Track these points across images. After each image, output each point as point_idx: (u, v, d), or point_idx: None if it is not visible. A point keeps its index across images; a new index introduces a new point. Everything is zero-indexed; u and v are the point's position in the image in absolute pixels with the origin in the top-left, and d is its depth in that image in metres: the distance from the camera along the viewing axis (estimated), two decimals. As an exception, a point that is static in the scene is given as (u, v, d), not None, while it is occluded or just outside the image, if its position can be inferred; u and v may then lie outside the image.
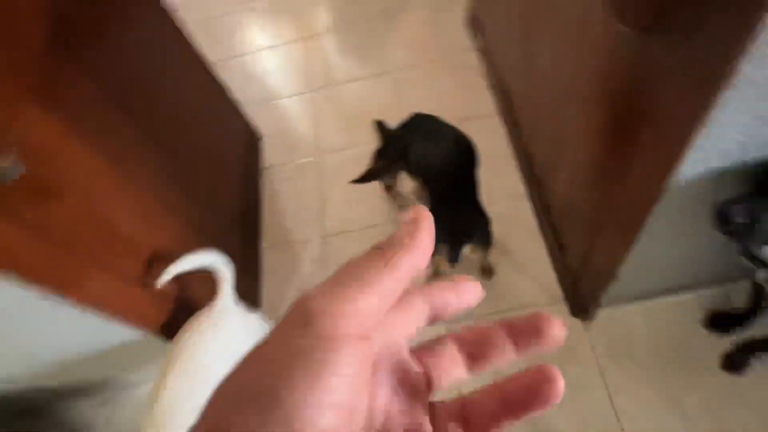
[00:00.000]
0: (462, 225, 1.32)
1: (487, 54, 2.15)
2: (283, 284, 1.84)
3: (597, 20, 0.89)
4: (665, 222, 0.94)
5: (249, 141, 2.13)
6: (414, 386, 0.23)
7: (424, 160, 1.47)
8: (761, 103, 0.67)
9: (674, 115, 0.74)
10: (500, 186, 1.85)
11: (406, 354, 0.24)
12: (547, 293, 1.59)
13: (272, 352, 0.19)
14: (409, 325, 0.24)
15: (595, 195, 1.21)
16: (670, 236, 1.04)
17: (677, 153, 0.77)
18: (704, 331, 1.40)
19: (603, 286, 1.32)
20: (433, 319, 0.25)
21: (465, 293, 0.26)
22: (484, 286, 0.27)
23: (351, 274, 0.21)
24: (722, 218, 0.77)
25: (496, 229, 1.65)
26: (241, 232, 1.84)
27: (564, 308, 1.55)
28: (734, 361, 1.32)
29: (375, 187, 1.95)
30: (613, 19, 0.71)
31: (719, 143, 0.76)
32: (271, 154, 2.20)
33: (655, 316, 1.46)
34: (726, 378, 1.34)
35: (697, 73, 0.66)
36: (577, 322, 1.52)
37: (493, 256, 1.68)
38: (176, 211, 1.39)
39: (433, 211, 0.88)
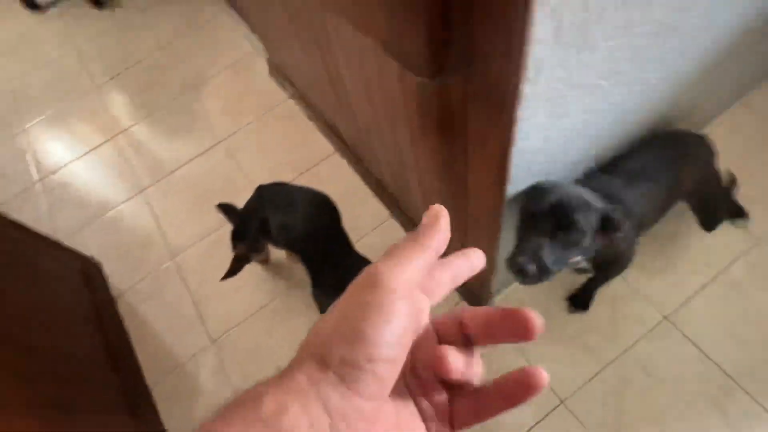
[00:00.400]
0: (350, 280, 1.31)
1: (302, 98, 2.16)
2: (187, 413, 1.64)
3: (393, 71, 0.93)
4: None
5: (86, 274, 1.85)
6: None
7: (286, 231, 1.42)
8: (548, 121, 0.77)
9: (487, 134, 0.81)
10: (365, 218, 1.88)
11: (426, 316, 0.31)
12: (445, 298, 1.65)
13: (351, 305, 0.28)
14: (436, 291, 0.32)
15: (450, 204, 1.28)
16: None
17: (501, 167, 0.85)
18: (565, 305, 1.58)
19: (487, 278, 1.41)
20: (455, 284, 0.34)
21: (474, 259, 0.35)
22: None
23: (396, 254, 0.30)
24: (519, 273, 0.85)
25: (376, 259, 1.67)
26: (117, 382, 1.58)
27: (464, 305, 1.62)
28: (578, 301, 1.54)
29: (258, 268, 1.84)
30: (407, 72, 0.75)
31: (528, 156, 0.85)
32: (119, 277, 1.94)
33: (534, 295, 1.61)
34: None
35: (494, 97, 0.73)
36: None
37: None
38: (17, 403, 1.14)
39: (316, 276, 1.14)
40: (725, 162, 1.73)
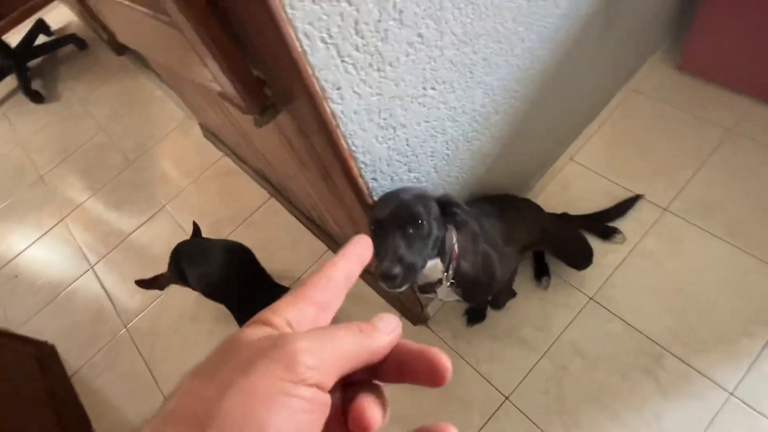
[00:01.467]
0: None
1: (234, 153, 2.27)
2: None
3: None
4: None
5: (40, 359, 1.87)
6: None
7: (202, 280, 1.49)
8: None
9: (328, 155, 0.89)
10: (304, 254, 1.94)
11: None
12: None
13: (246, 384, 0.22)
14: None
15: (349, 226, 1.35)
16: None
17: (353, 183, 0.93)
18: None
19: (410, 292, 1.47)
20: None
21: (360, 248, 0.32)
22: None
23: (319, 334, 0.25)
24: (387, 279, 0.88)
25: None
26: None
27: (406, 324, 1.67)
28: (472, 315, 1.61)
29: (209, 325, 1.88)
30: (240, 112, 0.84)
31: (379, 167, 0.93)
32: (74, 355, 1.96)
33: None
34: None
35: (315, 122, 0.82)
36: (422, 328, 1.65)
37: (335, 320, 1.74)
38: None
39: (239, 317, 1.29)
40: (626, 144, 1.84)
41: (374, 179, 0.96)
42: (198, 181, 2.34)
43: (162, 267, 1.82)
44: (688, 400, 1.35)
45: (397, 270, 0.88)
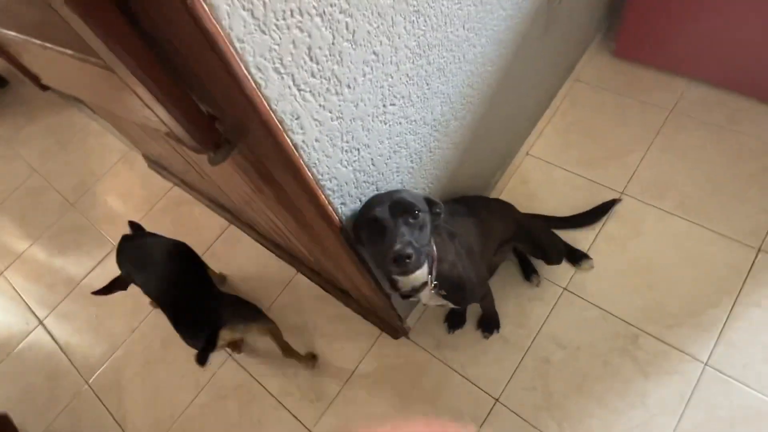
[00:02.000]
0: (208, 315, 1.33)
1: (184, 182, 2.16)
2: None
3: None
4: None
5: (-8, 430, 1.70)
6: None
7: (145, 284, 1.45)
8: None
9: (290, 183, 0.85)
10: (272, 280, 1.87)
11: None
12: (367, 336, 1.66)
13: None
14: None
15: (317, 249, 1.31)
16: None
17: (325, 213, 0.89)
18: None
19: (388, 306, 1.44)
20: None
21: None
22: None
23: None
24: (402, 259, 0.87)
25: (296, 317, 1.68)
26: None
27: (386, 338, 1.64)
28: (452, 320, 1.60)
29: (180, 366, 1.77)
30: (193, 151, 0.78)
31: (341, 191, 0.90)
32: (32, 421, 1.80)
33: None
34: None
35: (277, 154, 0.77)
36: (403, 341, 1.62)
37: (312, 341, 1.69)
38: None
39: (176, 320, 1.29)
40: (577, 133, 1.89)
41: (342, 203, 0.92)
42: (149, 215, 2.21)
43: (119, 310, 1.71)
44: (668, 376, 1.39)
45: (410, 250, 0.86)
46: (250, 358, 1.72)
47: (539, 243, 1.50)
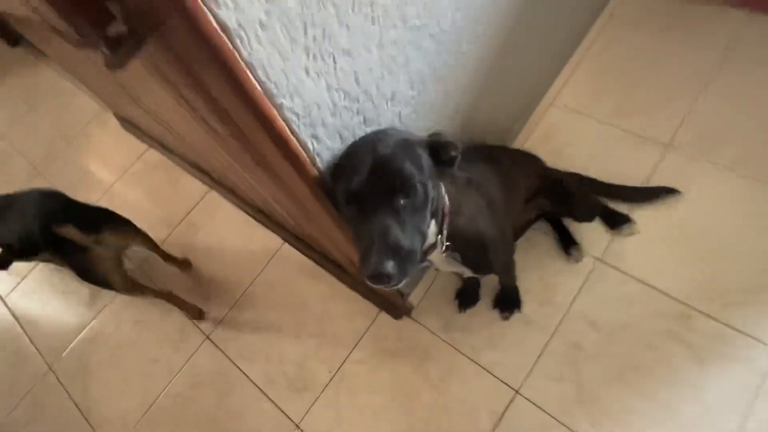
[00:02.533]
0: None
1: (161, 144, 1.91)
2: None
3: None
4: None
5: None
6: None
7: (25, 243, 1.21)
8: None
9: (236, 104, 0.59)
10: (257, 250, 1.63)
11: None
12: (364, 316, 1.42)
13: None
14: None
15: (295, 209, 1.06)
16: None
17: (286, 149, 0.63)
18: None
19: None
20: None
21: None
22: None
23: None
24: (379, 280, 0.63)
25: (282, 295, 1.46)
26: None
27: (386, 318, 1.40)
28: (465, 297, 1.36)
29: (153, 351, 1.56)
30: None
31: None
32: (-10, 409, 1.61)
33: (436, 295, 1.41)
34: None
35: (199, 55, 0.51)
36: (406, 321, 1.38)
37: (300, 322, 1.46)
38: None
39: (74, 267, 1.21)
40: (612, 78, 1.59)
41: (314, 137, 0.67)
42: (123, 180, 1.97)
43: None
44: (728, 364, 1.14)
45: (389, 267, 0.61)
46: (230, 339, 1.50)
47: (568, 197, 1.23)
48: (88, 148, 2.13)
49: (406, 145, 0.66)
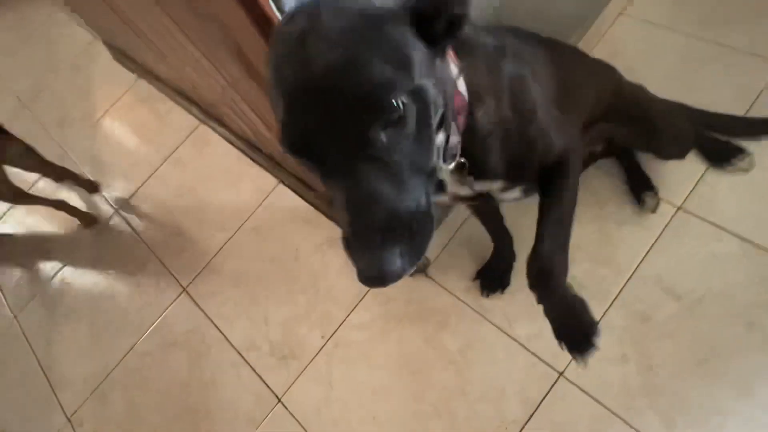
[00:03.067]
0: None
1: (149, 73, 1.67)
2: None
3: None
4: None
5: None
6: None
7: None
8: None
9: None
10: (247, 190, 1.37)
11: None
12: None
13: None
14: None
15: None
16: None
17: None
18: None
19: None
20: None
21: None
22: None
23: None
24: (379, 282, 0.39)
25: (272, 244, 1.21)
26: None
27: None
28: (489, 277, 1.05)
29: (115, 307, 1.34)
30: None
31: None
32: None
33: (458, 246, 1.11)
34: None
35: None
36: (421, 280, 1.10)
37: (292, 275, 1.20)
38: None
39: None
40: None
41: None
42: (110, 113, 1.75)
43: (68, 226, 1.28)
44: None
45: (387, 263, 0.37)
46: (209, 295, 1.26)
47: (651, 124, 0.89)
48: (77, 80, 1.91)
49: (365, 27, 0.37)
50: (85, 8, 1.58)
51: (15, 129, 1.65)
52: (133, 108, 1.73)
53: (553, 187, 0.63)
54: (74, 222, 1.50)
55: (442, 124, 0.45)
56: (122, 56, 1.80)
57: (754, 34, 1.11)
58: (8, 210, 1.67)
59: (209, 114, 1.47)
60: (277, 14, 0.56)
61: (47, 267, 1.48)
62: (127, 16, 1.11)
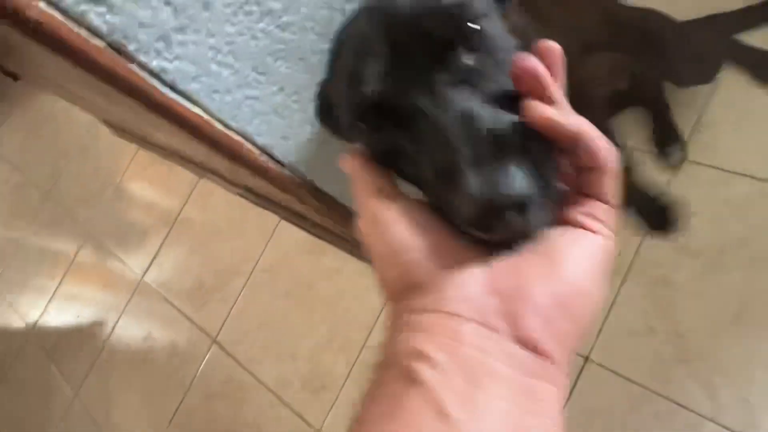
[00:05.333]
0: None
1: (146, 141, 1.74)
2: None
3: None
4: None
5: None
6: None
7: None
8: None
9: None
10: (252, 234, 1.41)
11: None
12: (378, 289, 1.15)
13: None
14: None
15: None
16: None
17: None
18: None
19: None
20: None
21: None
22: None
23: None
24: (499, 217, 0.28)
25: (286, 279, 1.22)
26: None
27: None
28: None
29: (157, 371, 1.40)
30: None
31: None
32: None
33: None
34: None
35: None
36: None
37: (309, 307, 1.21)
38: None
39: None
40: None
41: (153, 53, 0.39)
42: (121, 185, 1.84)
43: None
44: None
45: (519, 179, 0.25)
46: (237, 341, 1.30)
47: (662, 50, 0.79)
48: (87, 160, 2.02)
49: None
50: (76, 99, 1.66)
51: (40, 218, 1.78)
52: (139, 175, 1.81)
53: None
54: (106, 289, 1.59)
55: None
56: (120, 131, 1.88)
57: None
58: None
59: (205, 168, 1.52)
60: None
61: (92, 346, 1.58)
62: (108, 104, 1.16)
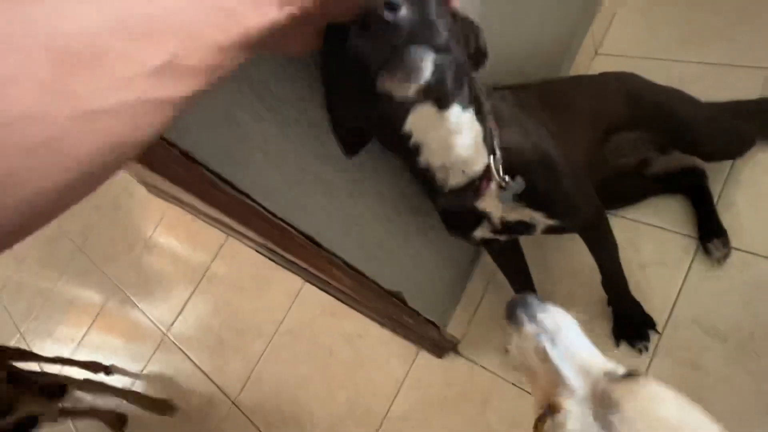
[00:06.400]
0: None
1: (176, 199, 1.82)
2: None
3: None
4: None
5: None
6: None
7: None
8: None
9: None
10: (277, 294, 1.43)
11: None
12: (401, 358, 1.15)
13: None
14: None
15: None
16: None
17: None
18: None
19: (418, 314, 0.93)
20: None
21: None
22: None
23: None
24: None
25: (307, 343, 1.22)
26: None
27: (427, 358, 1.11)
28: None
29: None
30: None
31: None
32: None
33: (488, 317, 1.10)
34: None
35: None
36: (453, 360, 1.08)
37: (328, 374, 1.21)
38: None
39: None
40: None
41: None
42: (150, 242, 1.90)
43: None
44: None
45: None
46: (256, 409, 1.29)
47: (682, 124, 0.83)
48: (118, 216, 2.11)
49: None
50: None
51: (71, 269, 1.83)
52: (170, 233, 1.87)
53: (594, 244, 0.83)
54: (130, 341, 1.60)
55: (475, 104, 0.52)
56: (154, 189, 1.98)
57: (734, 44, 1.08)
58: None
59: (232, 227, 1.57)
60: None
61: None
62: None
